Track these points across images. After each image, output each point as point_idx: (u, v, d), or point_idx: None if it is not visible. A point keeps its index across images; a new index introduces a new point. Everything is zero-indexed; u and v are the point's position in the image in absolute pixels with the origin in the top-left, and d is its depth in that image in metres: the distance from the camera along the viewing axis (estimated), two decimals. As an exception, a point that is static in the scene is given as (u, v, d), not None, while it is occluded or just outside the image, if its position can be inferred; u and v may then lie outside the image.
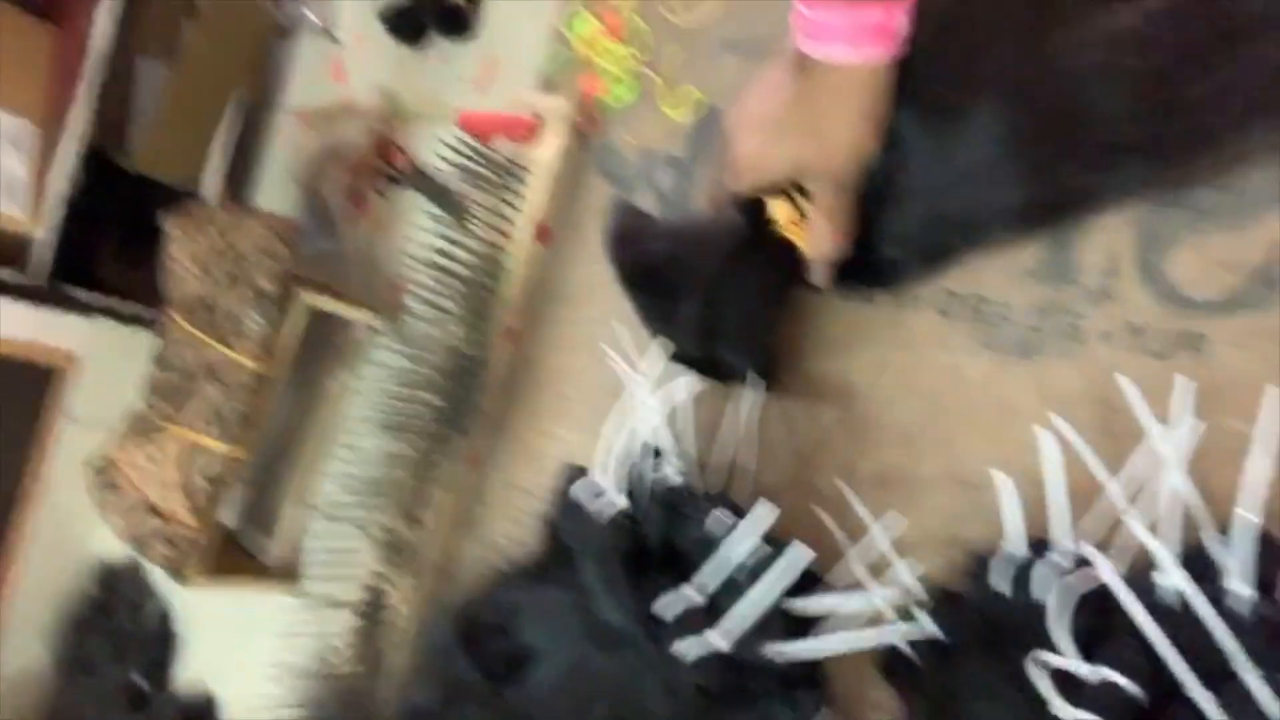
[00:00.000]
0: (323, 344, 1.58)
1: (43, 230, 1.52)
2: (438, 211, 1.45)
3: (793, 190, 0.65)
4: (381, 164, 1.57)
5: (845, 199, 0.63)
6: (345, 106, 1.65)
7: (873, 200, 0.63)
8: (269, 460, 1.62)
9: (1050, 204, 0.60)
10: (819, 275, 0.66)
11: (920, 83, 0.61)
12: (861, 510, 0.64)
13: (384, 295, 1.54)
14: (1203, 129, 0.56)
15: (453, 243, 0.81)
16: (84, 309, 1.62)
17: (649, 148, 0.81)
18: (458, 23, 1.47)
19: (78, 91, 1.49)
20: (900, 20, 0.57)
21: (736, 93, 0.77)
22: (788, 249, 0.65)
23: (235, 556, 1.58)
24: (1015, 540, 0.56)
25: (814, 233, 0.64)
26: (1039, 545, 0.56)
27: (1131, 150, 0.57)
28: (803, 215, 0.65)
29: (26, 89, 1.53)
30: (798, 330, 0.69)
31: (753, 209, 0.66)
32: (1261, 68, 0.54)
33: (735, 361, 0.67)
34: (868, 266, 0.66)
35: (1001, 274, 0.63)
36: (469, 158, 0.80)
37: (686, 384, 0.65)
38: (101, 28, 1.49)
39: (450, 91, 1.50)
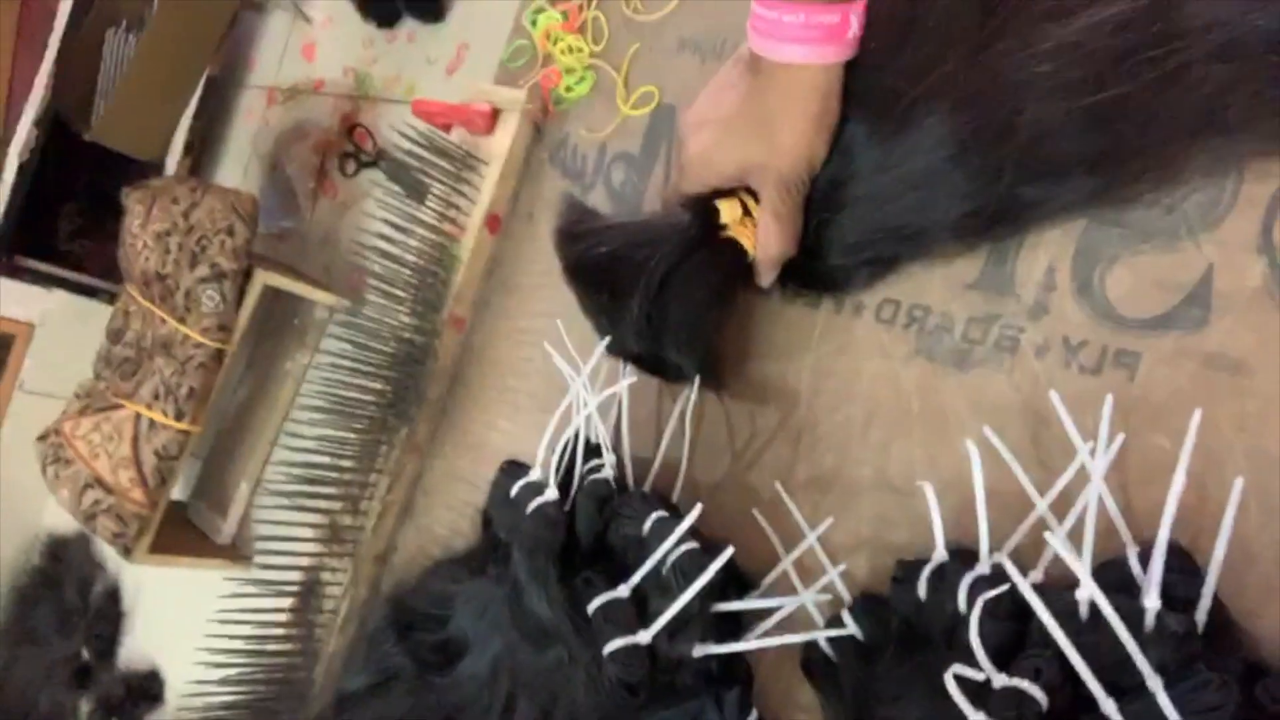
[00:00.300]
0: (281, 323, 1.57)
1: (0, 195, 1.49)
2: (400, 193, 1.45)
3: (742, 191, 0.65)
4: (347, 144, 1.56)
5: (793, 201, 0.63)
6: (313, 85, 1.63)
7: (819, 205, 0.64)
8: (224, 439, 1.61)
9: (992, 215, 0.60)
10: (764, 277, 0.66)
11: (869, 89, 0.62)
12: (796, 513, 0.64)
13: (344, 276, 1.53)
14: (1143, 145, 0.57)
15: (403, 229, 0.81)
16: (41, 280, 1.60)
17: (604, 143, 0.81)
18: (430, 6, 1.46)
19: (40, 62, 1.47)
20: (854, 23, 0.57)
21: (693, 92, 0.78)
22: (735, 249, 0.65)
23: (185, 534, 1.57)
24: (939, 547, 0.57)
25: (761, 234, 0.64)
26: (964, 554, 0.57)
27: (1073, 164, 0.58)
28: (751, 216, 0.65)
29: (-15, 55, 1.50)
30: (741, 332, 0.69)
31: (702, 208, 0.66)
32: (1202, 86, 0.54)
33: (678, 360, 0.67)
34: (812, 271, 0.66)
35: (942, 284, 0.64)
36: (423, 145, 0.80)
37: (626, 381, 0.65)
38: (66, -3, 1.47)
39: (420, 75, 1.49)
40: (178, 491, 1.49)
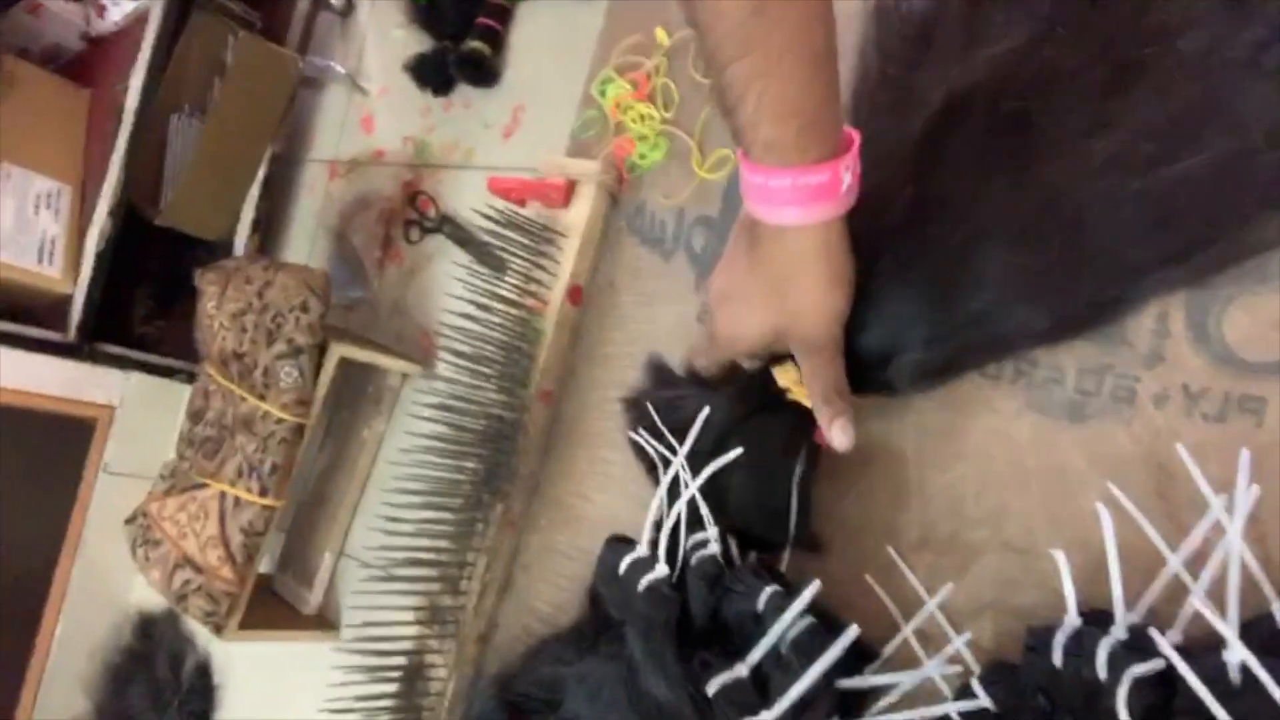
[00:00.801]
0: (356, 392, 1.58)
1: (78, 288, 1.53)
2: (470, 259, 1.46)
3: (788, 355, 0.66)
4: (411, 211, 1.58)
5: (825, 357, 0.62)
6: (374, 156, 1.66)
7: (887, 348, 0.63)
8: (304, 509, 1.63)
9: (1077, 323, 0.60)
10: (831, 433, 0.63)
11: (912, 239, 0.62)
12: (912, 578, 0.63)
13: (415, 342, 1.55)
14: (1219, 231, 0.56)
15: (485, 307, 0.81)
16: (119, 363, 1.64)
17: (682, 208, 0.81)
18: (483, 72, 1.48)
19: (111, 152, 1.51)
20: (845, 177, 0.55)
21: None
22: (799, 410, 0.65)
23: (273, 607, 1.58)
24: (1072, 613, 0.55)
25: (810, 395, 0.63)
26: (1098, 617, 0.55)
27: (1152, 262, 0.57)
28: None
29: (63, 152, 1.55)
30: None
31: (761, 377, 0.67)
32: (1262, 169, 0.54)
33: (768, 537, 0.67)
34: (886, 385, 0.65)
35: (1048, 336, 0.62)
36: (502, 223, 0.80)
37: (729, 457, 0.64)
38: (135, 89, 1.51)
39: (477, 139, 1.51)
40: (263, 565, 1.50)
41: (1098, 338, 0.61)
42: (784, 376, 0.66)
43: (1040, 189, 0.60)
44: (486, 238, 0.80)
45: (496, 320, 0.85)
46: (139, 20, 1.54)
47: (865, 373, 0.64)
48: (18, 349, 1.51)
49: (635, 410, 0.74)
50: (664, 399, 0.72)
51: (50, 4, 1.56)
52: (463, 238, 1.47)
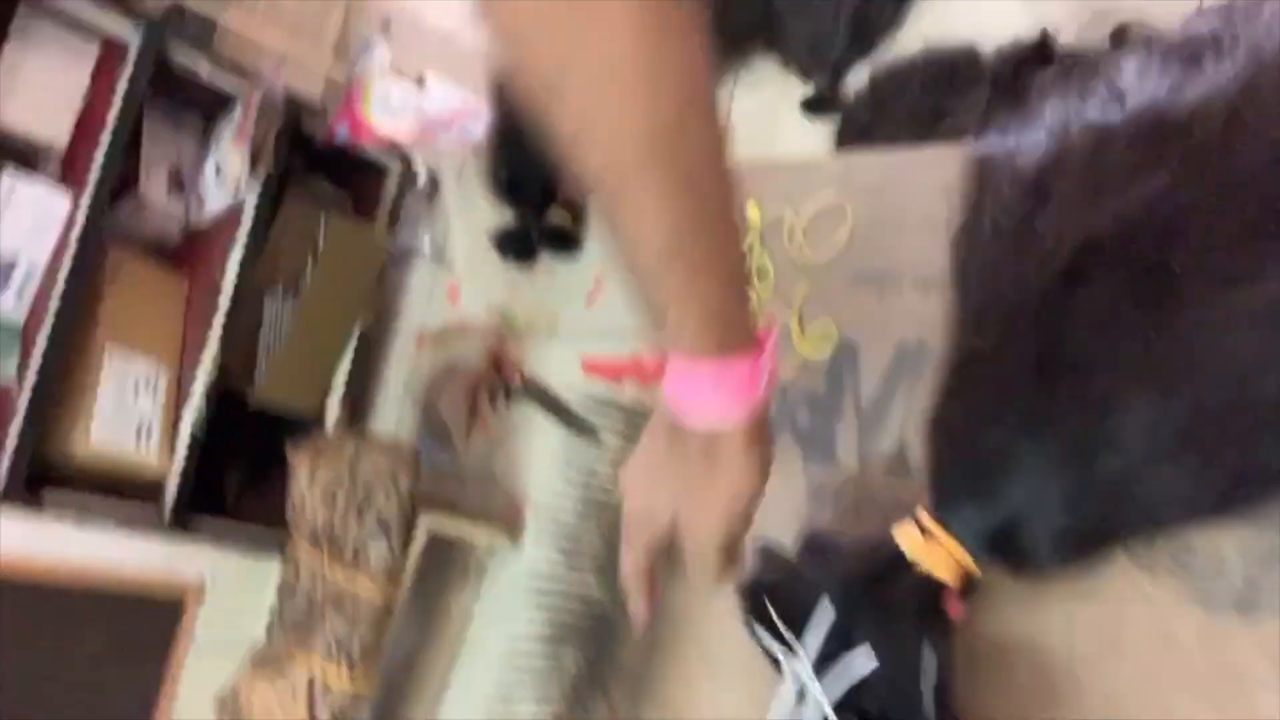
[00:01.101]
0: (443, 563, 1.56)
1: (173, 468, 1.55)
2: (558, 427, 1.45)
3: (919, 510, 0.62)
4: (497, 380, 1.58)
5: (734, 546, 0.62)
6: (460, 326, 1.68)
7: (1022, 513, 0.59)
8: (393, 681, 1.59)
9: (1234, 488, 0.55)
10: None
11: (1048, 385, 0.59)
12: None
13: (503, 512, 1.53)
14: None
15: (583, 486, 0.79)
16: (211, 539, 1.64)
17: (784, 386, 0.78)
18: (565, 241, 1.50)
19: (208, 334, 1.55)
20: (765, 367, 0.55)
21: (872, 327, 0.75)
22: (927, 582, 0.61)
23: (362, 791, 1.53)
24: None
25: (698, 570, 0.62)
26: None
27: None
28: (930, 534, 0.61)
29: (162, 335, 1.60)
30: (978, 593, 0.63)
31: (881, 546, 0.63)
32: None
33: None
34: (1023, 555, 0.61)
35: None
36: (599, 404, 0.78)
37: (863, 658, 0.59)
38: (231, 272, 1.56)
39: (561, 306, 1.52)
40: (353, 749, 1.45)
41: (1261, 520, 0.56)
42: (908, 542, 0.61)
43: (1183, 342, 0.56)
44: (578, 410, 0.78)
45: (595, 500, 0.82)
46: (236, 209, 1.61)
47: (1000, 542, 0.59)
48: (113, 528, 1.52)
49: (749, 599, 0.69)
50: (779, 585, 0.67)
51: (153, 197, 1.64)
52: (549, 405, 1.46)
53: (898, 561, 0.62)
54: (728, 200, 0.52)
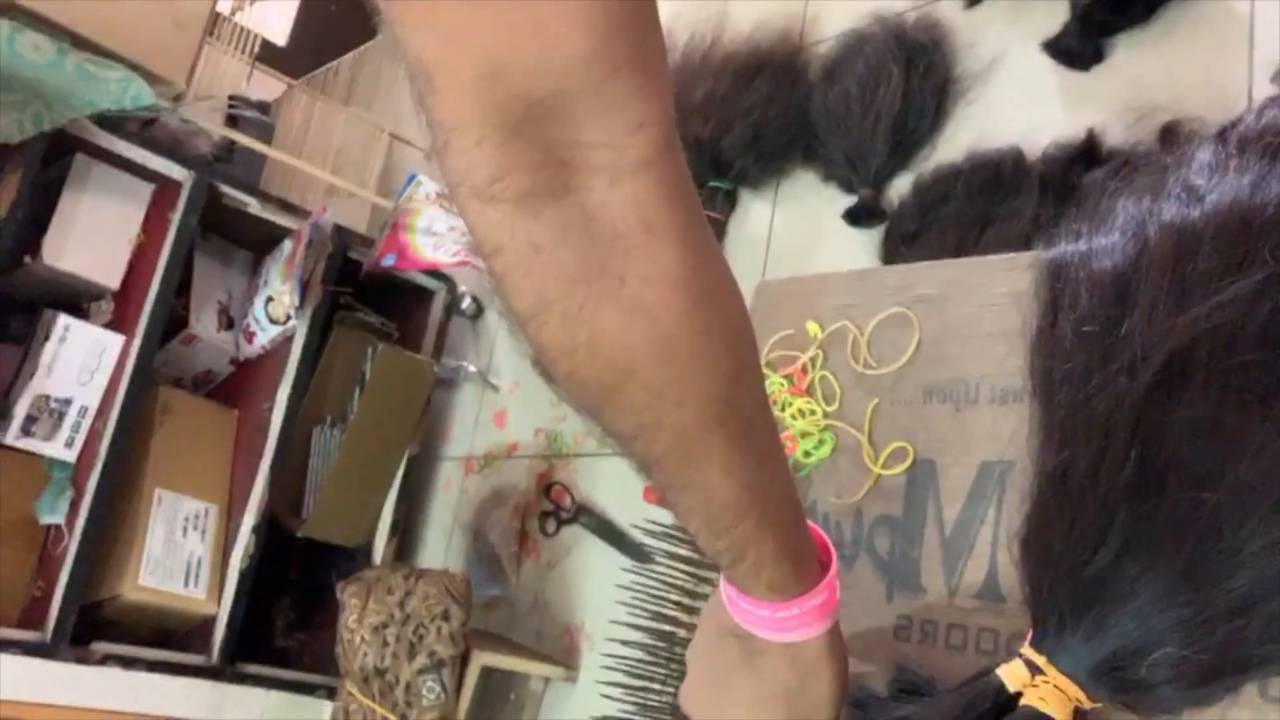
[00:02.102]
0: (496, 698, 1.50)
1: (221, 608, 1.53)
2: (615, 552, 1.41)
3: (1025, 649, 0.58)
4: (545, 503, 1.55)
5: None
6: (507, 450, 1.66)
7: (1136, 642, 0.55)
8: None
9: None
10: None
11: (1152, 501, 0.55)
12: None
13: (557, 640, 1.48)
14: None
15: (645, 618, 0.75)
16: (260, 682, 1.60)
17: (858, 508, 0.74)
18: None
19: (257, 469, 1.54)
20: (824, 602, 0.56)
21: (949, 444, 0.71)
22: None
23: None
24: None
25: None
26: None
27: None
28: (1042, 674, 0.57)
29: (211, 472, 1.59)
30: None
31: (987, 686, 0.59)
32: None
33: None
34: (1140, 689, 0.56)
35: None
36: (655, 528, 0.75)
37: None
38: (280, 406, 1.56)
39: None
40: None
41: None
42: (1013, 678, 0.56)
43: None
44: (632, 535, 0.74)
45: (659, 631, 0.78)
46: (284, 343, 1.61)
47: (1113, 675, 0.54)
48: (163, 675, 1.49)
49: None
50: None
51: (203, 334, 1.65)
52: (602, 530, 1.43)
53: (1003, 700, 0.57)
54: (775, 431, 0.53)
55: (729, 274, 0.48)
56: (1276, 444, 0.53)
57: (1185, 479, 0.55)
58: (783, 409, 0.80)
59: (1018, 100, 1.30)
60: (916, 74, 1.38)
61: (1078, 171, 1.18)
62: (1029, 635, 0.58)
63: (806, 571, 0.55)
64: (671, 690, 0.78)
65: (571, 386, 0.47)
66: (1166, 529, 0.54)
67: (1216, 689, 0.55)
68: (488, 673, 1.36)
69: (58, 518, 1.47)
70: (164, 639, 1.53)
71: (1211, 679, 0.55)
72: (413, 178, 1.70)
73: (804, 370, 0.80)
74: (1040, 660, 0.56)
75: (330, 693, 1.62)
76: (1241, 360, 0.55)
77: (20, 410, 1.45)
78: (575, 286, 0.43)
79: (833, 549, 0.58)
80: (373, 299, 1.79)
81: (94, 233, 1.53)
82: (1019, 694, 0.56)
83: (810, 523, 0.57)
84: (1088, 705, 0.56)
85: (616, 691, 0.80)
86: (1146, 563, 0.54)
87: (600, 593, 1.39)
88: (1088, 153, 1.20)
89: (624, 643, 0.77)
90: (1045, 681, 0.55)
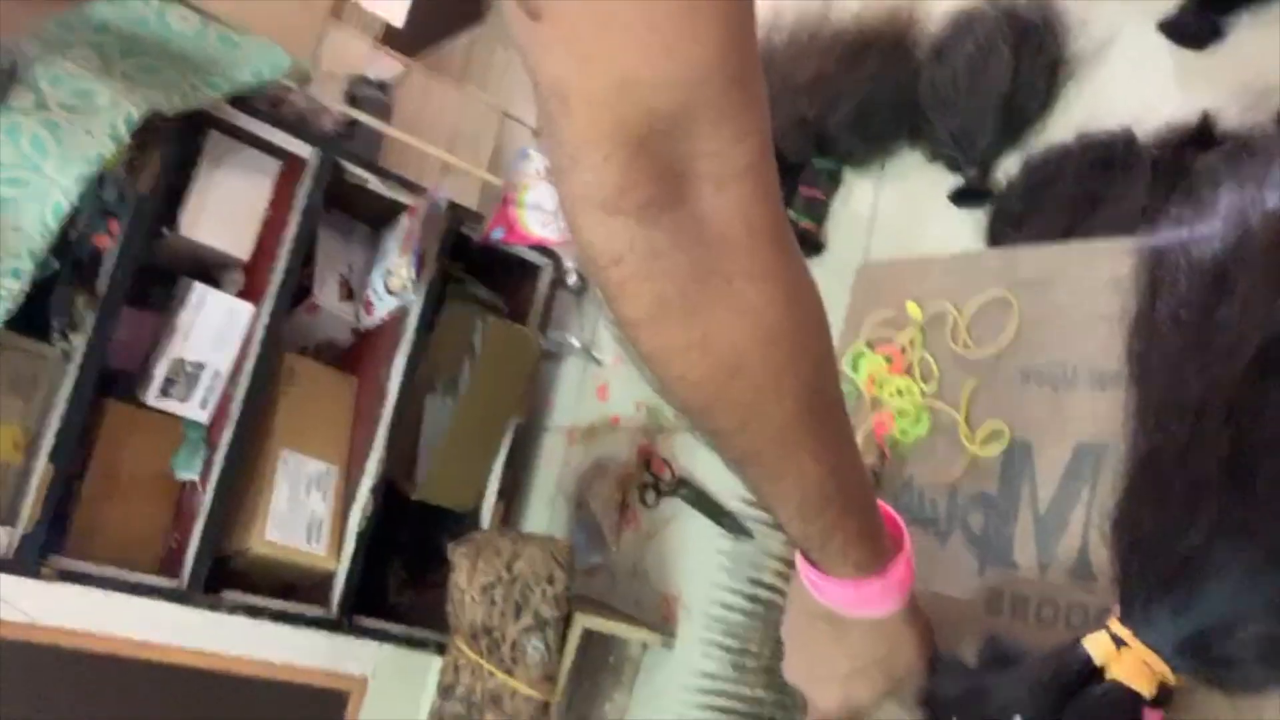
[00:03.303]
0: (597, 663, 1.56)
1: (340, 564, 1.61)
2: (709, 523, 1.44)
3: (1111, 621, 0.59)
4: (646, 475, 1.59)
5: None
6: (609, 422, 1.71)
7: (1224, 618, 0.56)
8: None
9: None
10: None
11: (1245, 482, 0.56)
12: None
13: (655, 608, 1.52)
14: None
15: (745, 587, 0.78)
16: (375, 636, 1.69)
17: (954, 486, 0.76)
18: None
19: (375, 433, 1.62)
20: (902, 577, 0.60)
21: (1048, 426, 0.73)
22: (1121, 693, 0.58)
23: None
24: None
25: None
26: None
27: None
28: (1126, 646, 0.58)
29: (332, 435, 1.68)
30: None
31: (1072, 657, 0.60)
32: None
33: None
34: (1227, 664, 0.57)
35: None
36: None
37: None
38: (396, 374, 1.64)
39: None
40: None
41: None
42: (1100, 650, 0.58)
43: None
44: (731, 507, 0.78)
45: (759, 600, 0.81)
46: (401, 313, 1.69)
47: (1199, 651, 0.56)
48: (286, 625, 1.59)
49: (933, 713, 0.67)
50: (962, 698, 0.65)
51: (325, 304, 1.74)
52: (701, 503, 1.46)
53: (1088, 672, 0.58)
54: (848, 415, 0.57)
55: (807, 266, 0.51)
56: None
57: (1277, 463, 0.56)
58: (881, 388, 0.83)
59: (1130, 80, 1.28)
60: (1027, 53, 1.37)
61: (1190, 154, 1.16)
62: (1116, 610, 0.60)
63: (884, 548, 0.59)
64: (768, 654, 0.81)
65: (682, 388, 0.50)
66: (1257, 511, 0.56)
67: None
68: (588, 635, 1.41)
69: (193, 474, 1.58)
70: (287, 591, 1.63)
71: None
72: (524, 153, 1.76)
73: (903, 350, 0.82)
74: (1126, 634, 0.57)
75: (439, 648, 1.71)
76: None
77: (159, 372, 1.55)
78: (690, 287, 0.46)
79: (903, 525, 0.63)
80: (483, 273, 1.86)
81: (226, 206, 1.63)
82: (1103, 667, 0.58)
83: (880, 501, 0.62)
84: (1172, 681, 0.57)
85: (718, 658, 0.84)
86: (1236, 543, 0.55)
87: (698, 563, 1.43)
88: (1201, 135, 1.17)
89: (725, 607, 0.80)
90: (1130, 654, 0.57)
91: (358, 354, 1.80)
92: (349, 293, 1.78)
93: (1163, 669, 0.57)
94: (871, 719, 0.68)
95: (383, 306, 1.70)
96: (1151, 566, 0.59)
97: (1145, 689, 0.57)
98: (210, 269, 1.68)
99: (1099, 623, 0.61)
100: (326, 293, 1.75)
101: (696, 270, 0.46)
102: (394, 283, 1.65)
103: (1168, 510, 0.59)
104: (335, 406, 1.70)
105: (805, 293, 0.51)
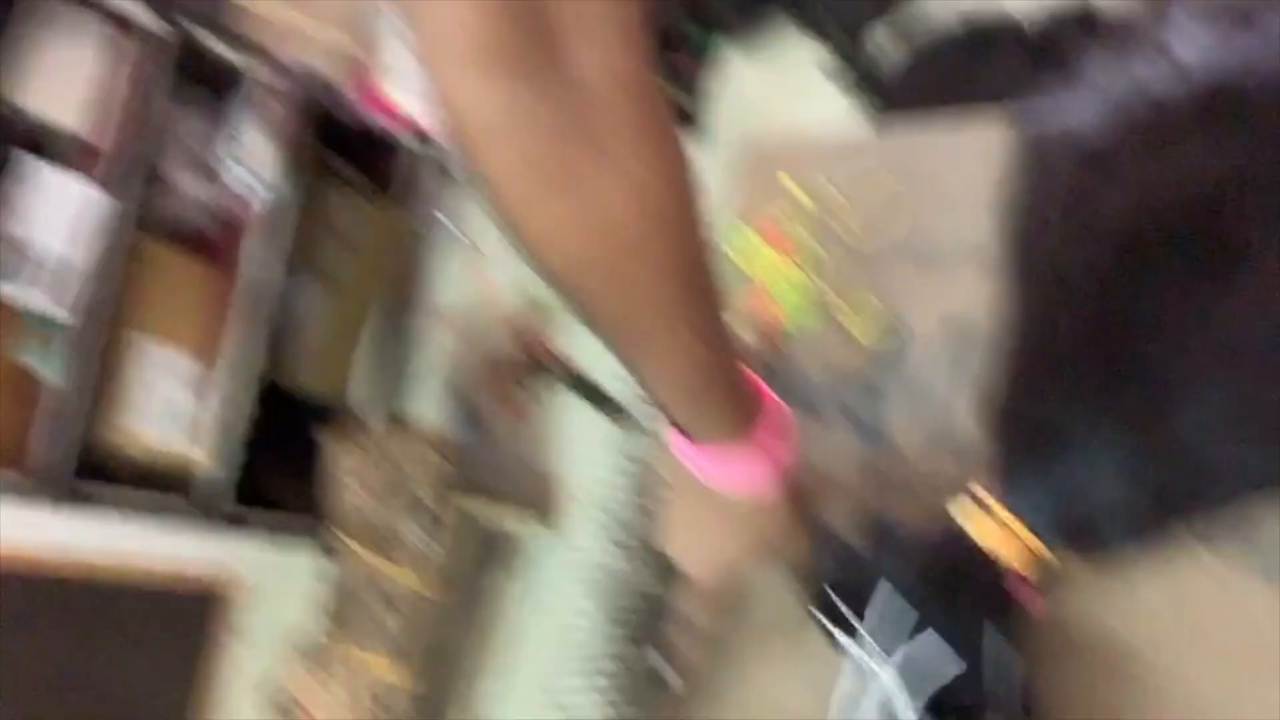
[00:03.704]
0: (483, 549, 1.56)
1: (214, 459, 1.56)
2: (591, 407, 1.44)
3: (974, 487, 0.61)
4: (529, 363, 1.58)
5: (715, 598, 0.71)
6: (489, 308, 1.67)
7: (1089, 488, 0.58)
8: (436, 669, 1.59)
9: None
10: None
11: (1113, 361, 0.58)
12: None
13: (539, 494, 1.53)
14: None
15: (633, 475, 0.78)
16: (248, 527, 1.65)
17: (836, 370, 0.77)
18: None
19: (242, 322, 1.55)
20: (775, 445, 0.60)
21: (923, 306, 0.74)
22: (997, 569, 0.60)
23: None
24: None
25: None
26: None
27: None
28: (989, 510, 0.60)
29: (197, 327, 1.60)
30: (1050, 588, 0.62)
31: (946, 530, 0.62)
32: None
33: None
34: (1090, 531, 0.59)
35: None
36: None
37: (931, 646, 0.58)
38: (261, 261, 1.56)
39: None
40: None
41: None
42: (975, 527, 0.60)
43: (1252, 315, 0.54)
44: (614, 393, 0.77)
45: (647, 487, 0.81)
46: (261, 195, 1.60)
47: (1066, 523, 0.58)
48: (156, 521, 1.53)
49: (812, 588, 0.69)
50: (841, 573, 0.67)
51: (182, 186, 1.63)
52: (584, 389, 1.46)
53: (965, 548, 0.61)
54: (721, 292, 0.56)
55: (679, 132, 0.50)
56: (1229, 311, 0.56)
57: (1144, 341, 0.58)
58: (763, 270, 0.82)
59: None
60: (908, -73, 1.35)
61: (1072, 39, 1.18)
62: (986, 481, 0.62)
63: (755, 418, 0.60)
64: (652, 534, 0.81)
65: (555, 259, 0.48)
66: (1123, 387, 0.58)
67: (1156, 532, 0.59)
68: (471, 519, 1.41)
69: (50, 368, 1.48)
70: (157, 485, 1.57)
71: (1153, 525, 0.59)
72: (383, 19, 1.66)
73: (782, 229, 0.82)
74: (998, 508, 0.60)
75: (318, 538, 1.68)
76: (1208, 232, 0.58)
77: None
78: (561, 148, 0.44)
79: (774, 395, 0.63)
80: (349, 152, 1.77)
81: (52, 72, 1.47)
82: (973, 535, 0.60)
83: (749, 372, 0.62)
84: (1037, 545, 0.60)
85: (608, 547, 0.84)
86: (1098, 412, 0.57)
87: (579, 446, 1.43)
88: (1083, 20, 1.19)
89: (609, 490, 0.80)
90: (997, 521, 0.59)
91: (217, 239, 1.70)
92: (204, 173, 1.67)
93: (1028, 535, 0.59)
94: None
95: (241, 187, 1.61)
96: (1018, 437, 0.61)
97: (1012, 554, 0.60)
98: (41, 143, 1.53)
99: (969, 493, 0.63)
100: (179, 172, 1.64)
101: (567, 129, 0.43)
102: (252, 161, 1.55)
103: (1035, 383, 0.61)
104: (196, 294, 1.61)
105: (678, 156, 0.49)
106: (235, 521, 1.63)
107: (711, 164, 0.90)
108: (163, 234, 1.69)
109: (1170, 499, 0.59)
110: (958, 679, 0.58)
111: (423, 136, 1.78)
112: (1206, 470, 0.57)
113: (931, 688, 0.60)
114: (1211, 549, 0.58)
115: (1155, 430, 0.57)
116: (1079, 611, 0.58)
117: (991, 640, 0.59)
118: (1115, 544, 0.60)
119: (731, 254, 0.85)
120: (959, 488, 0.68)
